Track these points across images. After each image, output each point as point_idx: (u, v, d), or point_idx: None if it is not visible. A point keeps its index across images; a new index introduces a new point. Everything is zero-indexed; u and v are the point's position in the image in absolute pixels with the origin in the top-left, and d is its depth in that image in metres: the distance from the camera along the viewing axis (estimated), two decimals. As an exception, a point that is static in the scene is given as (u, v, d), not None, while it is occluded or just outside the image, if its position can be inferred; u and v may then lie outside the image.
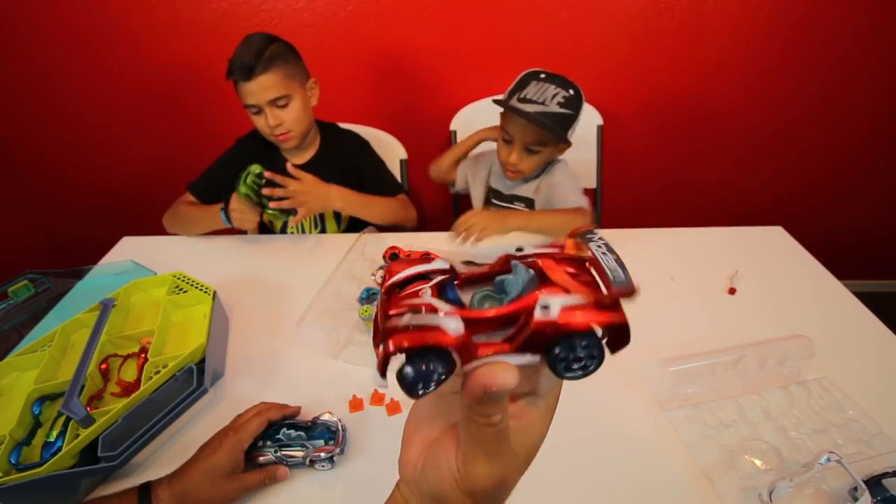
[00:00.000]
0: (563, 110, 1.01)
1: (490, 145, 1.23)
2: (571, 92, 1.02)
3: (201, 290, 0.85)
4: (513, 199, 1.22)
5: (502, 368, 0.22)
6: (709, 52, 1.50)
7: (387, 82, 1.54)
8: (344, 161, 1.23)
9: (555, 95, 1.01)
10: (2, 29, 1.41)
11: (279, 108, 1.08)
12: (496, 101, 1.06)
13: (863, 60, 1.52)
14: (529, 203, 1.20)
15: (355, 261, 0.92)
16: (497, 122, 1.13)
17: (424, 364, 0.22)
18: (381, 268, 0.91)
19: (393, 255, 0.94)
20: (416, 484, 0.27)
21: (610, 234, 1.21)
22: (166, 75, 1.51)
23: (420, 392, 0.23)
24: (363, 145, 1.28)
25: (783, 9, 1.43)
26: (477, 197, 1.28)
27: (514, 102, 1.02)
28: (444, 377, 0.22)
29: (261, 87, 1.04)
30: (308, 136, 1.18)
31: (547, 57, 1.48)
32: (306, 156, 1.21)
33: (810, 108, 1.62)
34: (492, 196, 1.26)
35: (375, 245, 1.00)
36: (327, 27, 1.44)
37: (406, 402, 0.72)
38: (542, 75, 1.03)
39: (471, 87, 1.53)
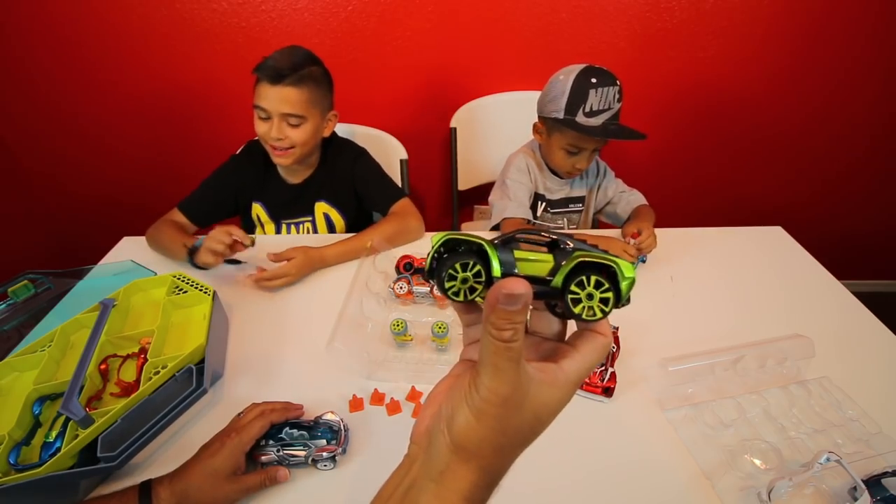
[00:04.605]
0: (620, 104, 1.02)
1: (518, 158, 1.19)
2: (619, 82, 1.02)
3: (201, 290, 0.85)
4: (567, 202, 1.22)
5: (517, 280, 0.25)
6: (709, 53, 1.50)
7: (386, 82, 1.54)
8: (339, 174, 1.20)
9: (615, 95, 1.00)
10: (3, 34, 1.42)
11: (290, 125, 1.04)
12: (560, 122, 1.03)
13: (866, 64, 1.52)
14: (583, 200, 1.23)
15: (369, 275, 0.92)
16: (491, 119, 1.11)
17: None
18: (398, 279, 0.90)
19: (407, 265, 0.93)
20: (428, 433, 0.29)
21: (610, 235, 1.21)
22: (165, 75, 1.51)
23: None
24: (359, 154, 1.23)
25: (786, 11, 1.43)
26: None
27: (585, 120, 1.01)
28: (473, 266, 0.27)
29: (281, 98, 1.00)
30: (308, 158, 1.15)
31: (546, 57, 1.49)
32: (303, 175, 1.18)
33: (812, 110, 1.62)
34: (548, 206, 1.22)
35: (385, 256, 1.00)
36: (327, 27, 1.44)
37: (405, 402, 0.72)
38: (593, 79, 1.00)
39: (470, 86, 1.53)
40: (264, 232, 1.22)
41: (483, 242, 0.28)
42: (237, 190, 1.18)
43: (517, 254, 0.28)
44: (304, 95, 1.02)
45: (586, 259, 0.28)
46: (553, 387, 0.27)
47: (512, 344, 0.25)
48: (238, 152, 1.19)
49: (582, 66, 1.02)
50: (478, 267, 0.27)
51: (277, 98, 1.01)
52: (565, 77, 1.03)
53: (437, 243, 0.28)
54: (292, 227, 1.22)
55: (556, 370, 0.27)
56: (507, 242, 0.29)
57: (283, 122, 1.03)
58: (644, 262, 1.02)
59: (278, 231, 1.22)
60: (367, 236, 1.06)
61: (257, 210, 1.20)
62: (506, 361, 0.25)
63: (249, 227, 1.23)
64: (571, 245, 0.29)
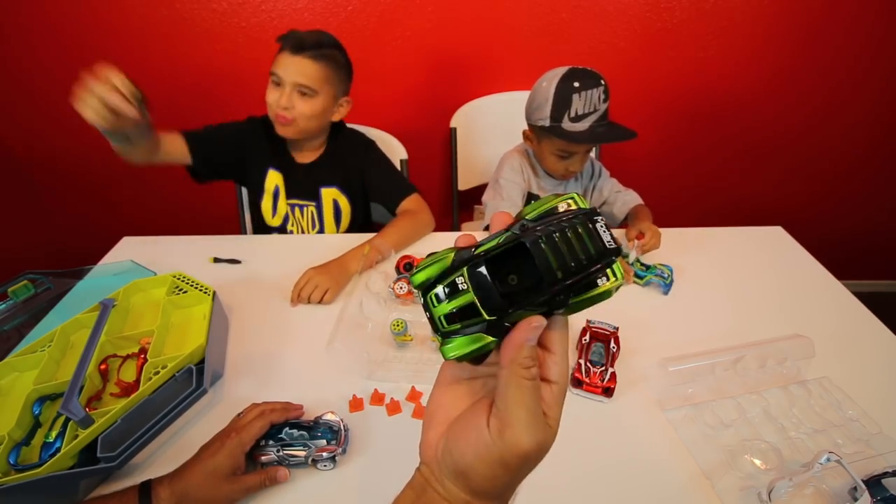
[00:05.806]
0: (607, 103, 1.02)
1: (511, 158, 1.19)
2: (603, 81, 1.01)
3: (201, 290, 0.85)
4: None
5: (531, 317, 0.25)
6: (709, 53, 1.50)
7: (386, 82, 1.54)
8: (347, 161, 1.20)
9: (599, 96, 1.00)
10: (3, 34, 1.41)
11: (300, 95, 1.05)
12: (547, 130, 1.02)
13: (866, 64, 1.52)
14: None
15: (369, 275, 0.92)
16: (491, 119, 1.11)
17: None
18: (398, 279, 0.90)
19: (407, 265, 0.93)
20: (438, 463, 0.28)
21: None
22: (165, 75, 1.51)
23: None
24: (367, 145, 1.24)
25: (786, 11, 1.43)
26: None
27: (572, 126, 1.00)
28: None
29: (297, 68, 1.03)
30: (313, 138, 1.16)
31: (546, 57, 1.49)
32: (311, 156, 1.18)
33: (812, 110, 1.62)
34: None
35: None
36: (327, 27, 1.43)
37: (405, 403, 0.72)
38: (576, 83, 0.99)
39: (470, 86, 1.53)
40: (274, 211, 1.20)
41: (473, 301, 0.25)
42: (245, 147, 1.16)
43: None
44: (321, 71, 1.04)
45: (580, 300, 0.27)
46: (555, 405, 0.28)
47: (537, 380, 0.26)
48: (256, 117, 1.18)
49: (564, 69, 1.02)
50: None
51: (294, 67, 1.03)
52: (548, 83, 1.02)
53: (429, 299, 0.27)
54: (296, 209, 1.20)
55: (552, 388, 0.28)
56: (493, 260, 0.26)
57: (294, 91, 1.05)
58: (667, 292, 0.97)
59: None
60: (383, 238, 1.04)
61: (276, 179, 1.18)
62: (535, 401, 0.26)
63: (258, 198, 1.20)
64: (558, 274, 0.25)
